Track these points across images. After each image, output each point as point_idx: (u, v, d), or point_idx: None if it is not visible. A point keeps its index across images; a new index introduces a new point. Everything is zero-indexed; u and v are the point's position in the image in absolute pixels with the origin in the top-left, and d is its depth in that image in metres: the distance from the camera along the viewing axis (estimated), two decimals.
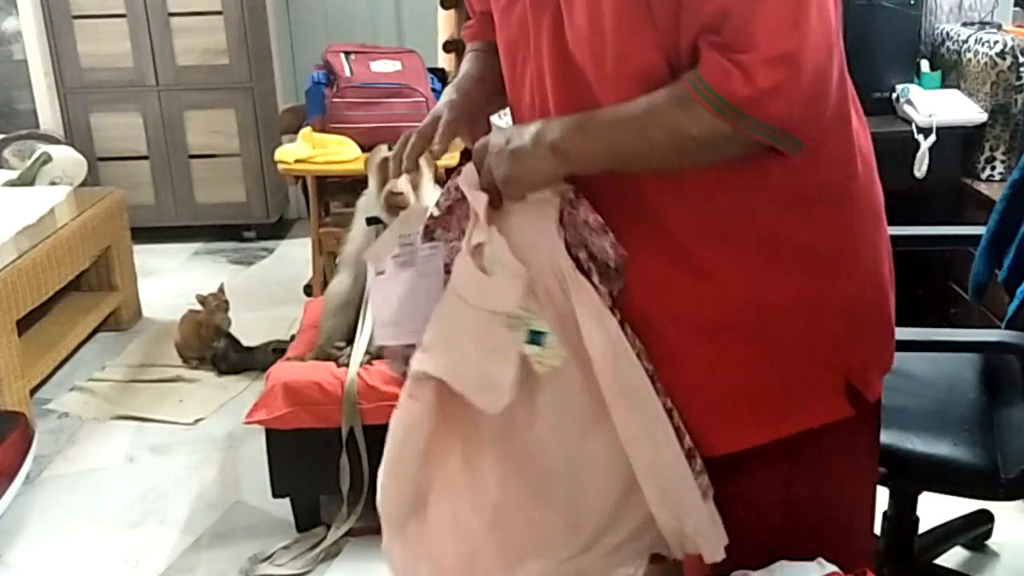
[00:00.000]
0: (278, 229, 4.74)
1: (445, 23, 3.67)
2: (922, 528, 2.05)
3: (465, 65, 1.41)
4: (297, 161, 3.23)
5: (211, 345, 3.30)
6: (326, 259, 3.32)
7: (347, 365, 2.35)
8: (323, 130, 3.34)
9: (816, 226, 1.15)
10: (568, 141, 1.11)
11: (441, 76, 3.62)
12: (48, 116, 4.50)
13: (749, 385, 1.17)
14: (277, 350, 3.06)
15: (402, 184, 2.38)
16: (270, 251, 4.57)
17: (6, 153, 4.29)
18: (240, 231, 4.68)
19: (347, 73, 3.43)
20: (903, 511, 1.99)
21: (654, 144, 1.08)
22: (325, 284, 2.96)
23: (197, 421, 3.01)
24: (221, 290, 3.36)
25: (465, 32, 1.45)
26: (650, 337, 1.18)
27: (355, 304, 2.49)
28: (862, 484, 1.32)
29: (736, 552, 1.22)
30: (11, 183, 3.86)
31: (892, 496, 1.99)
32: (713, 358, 1.17)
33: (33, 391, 3.06)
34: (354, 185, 2.98)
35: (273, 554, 2.35)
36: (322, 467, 2.33)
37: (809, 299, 1.16)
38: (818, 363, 1.18)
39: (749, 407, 1.18)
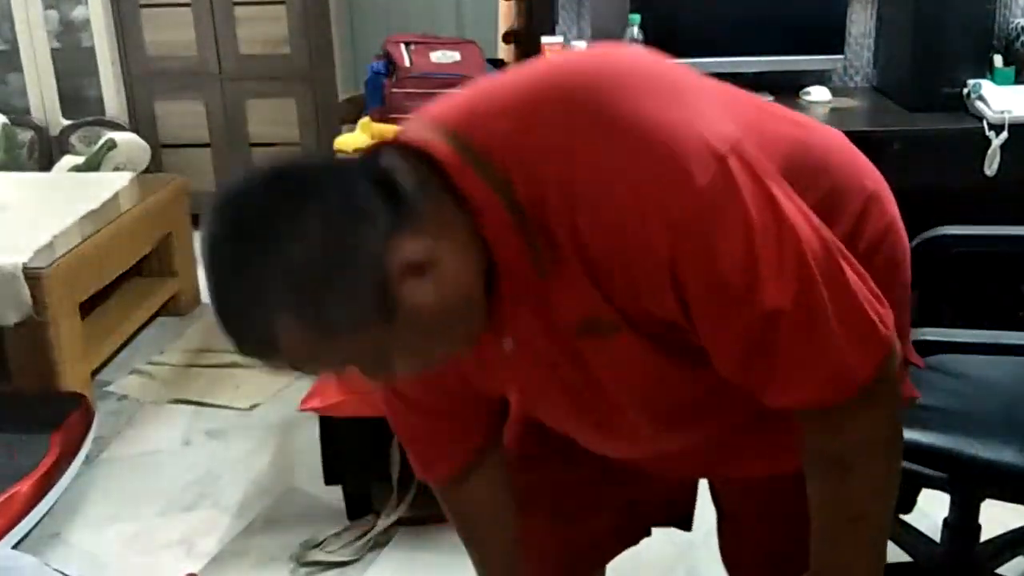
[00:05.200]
0: None
1: (505, 14, 3.66)
2: (985, 536, 1.99)
3: None
4: (356, 150, 3.24)
5: None
6: None
7: None
8: (382, 120, 3.34)
9: None
10: None
11: (500, 67, 3.61)
12: (114, 103, 4.57)
13: None
14: None
15: None
16: None
17: (73, 139, 4.39)
18: None
19: (407, 63, 3.43)
20: (965, 518, 1.94)
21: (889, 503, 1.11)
22: None
23: (253, 407, 3.04)
24: None
25: (434, 471, 1.37)
26: None
27: None
28: None
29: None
30: (77, 168, 3.94)
31: (953, 503, 1.94)
32: None
33: (94, 373, 3.12)
34: None
35: (324, 540, 2.36)
36: (374, 455, 2.34)
37: None
38: None
39: None
